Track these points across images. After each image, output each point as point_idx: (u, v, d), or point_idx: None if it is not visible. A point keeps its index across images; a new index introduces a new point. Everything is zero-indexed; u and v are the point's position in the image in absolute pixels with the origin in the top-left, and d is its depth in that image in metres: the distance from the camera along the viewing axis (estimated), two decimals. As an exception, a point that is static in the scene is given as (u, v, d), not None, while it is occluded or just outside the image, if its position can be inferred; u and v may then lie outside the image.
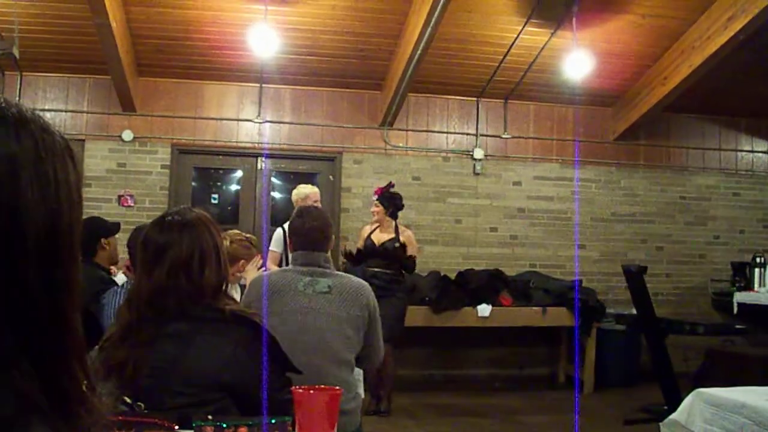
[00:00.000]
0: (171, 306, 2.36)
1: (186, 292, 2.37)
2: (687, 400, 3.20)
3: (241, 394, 2.34)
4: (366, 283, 3.91)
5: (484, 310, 8.74)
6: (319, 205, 6.86)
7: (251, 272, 4.60)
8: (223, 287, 2.48)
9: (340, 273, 3.93)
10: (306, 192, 7.34)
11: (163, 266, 2.40)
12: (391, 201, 7.84)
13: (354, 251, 7.78)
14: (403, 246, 7.69)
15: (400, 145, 9.95)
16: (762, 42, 8.32)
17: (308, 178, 10.12)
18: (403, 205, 8.00)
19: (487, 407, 8.21)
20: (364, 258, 7.68)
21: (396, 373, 7.81)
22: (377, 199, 7.85)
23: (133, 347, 2.34)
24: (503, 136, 10.23)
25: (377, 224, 7.82)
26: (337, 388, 2.02)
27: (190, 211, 2.53)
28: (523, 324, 9.10)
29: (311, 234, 3.92)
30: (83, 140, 9.25)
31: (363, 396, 4.10)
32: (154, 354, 2.31)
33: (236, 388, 2.34)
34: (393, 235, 7.76)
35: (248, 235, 4.72)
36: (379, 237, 7.76)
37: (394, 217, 7.87)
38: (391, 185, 8.00)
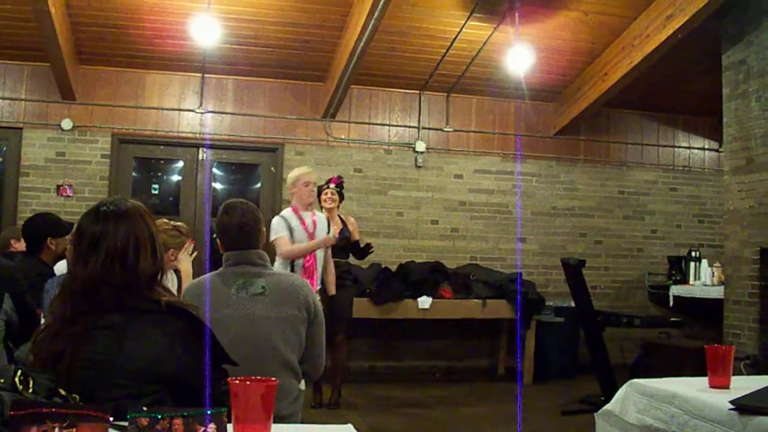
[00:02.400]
0: (106, 297, 2.33)
1: (121, 283, 2.34)
2: (621, 391, 3.26)
3: (177, 385, 2.33)
4: (304, 281, 3.80)
5: (425, 302, 8.78)
6: (312, 188, 7.05)
7: (184, 261, 4.55)
8: (159, 277, 2.45)
9: (275, 271, 3.79)
10: (296, 174, 7.14)
11: (98, 256, 2.37)
12: (342, 191, 7.92)
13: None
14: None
15: (343, 137, 9.95)
16: (699, 41, 8.46)
17: (250, 170, 10.11)
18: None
19: (428, 398, 8.26)
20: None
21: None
22: (335, 188, 7.81)
23: (68, 339, 2.31)
24: (445, 129, 10.28)
25: (329, 213, 7.74)
26: (273, 378, 2.01)
27: (125, 201, 2.50)
28: (464, 316, 9.16)
29: (241, 231, 3.74)
30: (21, 129, 9.12)
31: (304, 389, 4.02)
32: (90, 346, 2.27)
33: (172, 379, 2.32)
34: (341, 225, 7.76)
35: (177, 224, 4.64)
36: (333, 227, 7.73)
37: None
38: (341, 177, 8.05)
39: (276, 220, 6.92)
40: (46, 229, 5.42)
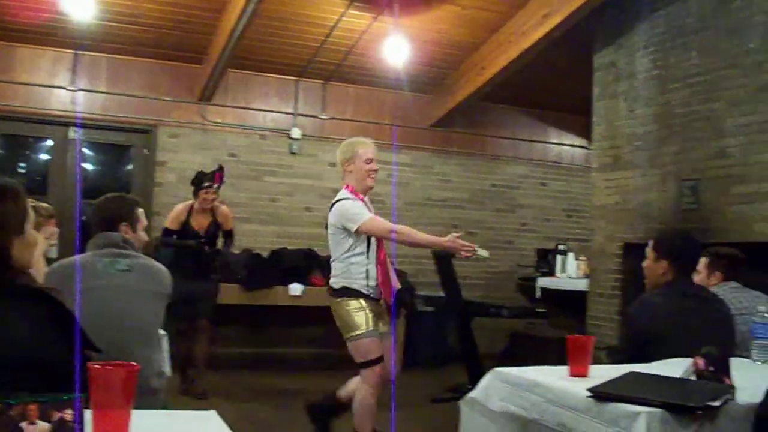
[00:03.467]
0: None
1: None
2: (485, 379, 3.31)
3: (38, 372, 2.26)
4: (164, 267, 3.88)
5: (296, 289, 8.77)
6: (375, 167, 5.50)
7: (41, 243, 4.44)
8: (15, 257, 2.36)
9: (140, 255, 3.85)
10: (353, 146, 5.61)
11: None
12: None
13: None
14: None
15: (218, 121, 9.82)
16: (574, 41, 8.66)
17: (122, 150, 9.88)
18: None
19: (298, 386, 8.22)
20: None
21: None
22: (217, 188, 7.62)
23: None
24: (321, 116, 10.27)
25: (203, 212, 7.62)
26: (134, 364, 1.97)
27: None
28: (335, 304, 9.15)
29: (107, 215, 3.92)
30: None
31: (169, 374, 4.02)
32: None
33: (33, 366, 2.25)
34: (211, 219, 7.65)
35: (39, 204, 4.51)
36: (199, 222, 7.61)
37: None
38: (221, 167, 7.88)
39: (350, 203, 5.36)
40: None
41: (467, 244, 5.21)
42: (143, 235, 4.04)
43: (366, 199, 5.49)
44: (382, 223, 5.34)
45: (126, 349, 3.26)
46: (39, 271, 4.57)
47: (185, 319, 7.35)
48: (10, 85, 9.07)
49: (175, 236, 7.54)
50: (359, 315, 5.25)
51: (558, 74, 9.95)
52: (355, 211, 5.26)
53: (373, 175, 5.45)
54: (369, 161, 5.43)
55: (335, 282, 5.36)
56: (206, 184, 7.54)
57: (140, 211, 4.05)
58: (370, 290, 5.31)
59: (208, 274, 7.65)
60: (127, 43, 9.16)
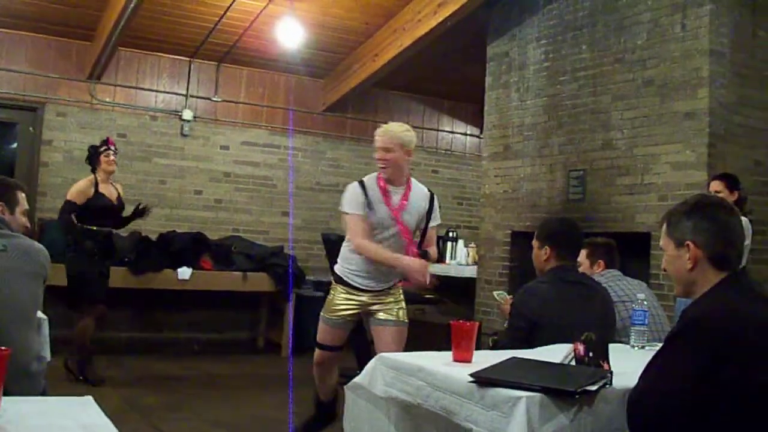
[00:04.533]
0: None
1: None
2: (370, 365, 3.33)
3: None
4: (43, 248, 3.76)
5: (185, 273, 8.65)
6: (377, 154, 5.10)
7: None
8: None
9: (16, 234, 3.72)
10: (411, 136, 5.21)
11: None
12: None
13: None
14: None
15: (108, 100, 9.61)
16: (468, 31, 8.75)
17: (7, 128, 9.58)
18: None
19: (186, 371, 8.16)
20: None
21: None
22: (114, 151, 7.35)
23: None
24: (214, 99, 10.15)
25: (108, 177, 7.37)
26: (4, 348, 1.93)
27: None
28: (224, 288, 9.08)
29: None
30: None
31: (49, 358, 3.93)
32: None
33: None
34: (117, 192, 7.43)
35: None
36: (110, 191, 7.35)
37: None
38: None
39: (349, 189, 5.18)
40: None
41: (426, 272, 4.93)
42: (22, 219, 3.92)
43: (390, 188, 5.11)
44: (353, 232, 5.08)
45: (2, 331, 3.19)
46: None
47: (87, 301, 7.17)
48: None
49: (75, 213, 7.23)
50: (328, 298, 5.31)
51: (452, 63, 10.03)
52: (345, 199, 5.14)
53: (380, 164, 5.11)
54: (377, 150, 5.15)
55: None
56: (102, 148, 7.34)
57: (21, 194, 3.94)
58: (354, 279, 5.15)
59: (109, 255, 7.42)
60: (13, 16, 8.83)
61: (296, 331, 9.36)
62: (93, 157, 7.32)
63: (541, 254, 4.24)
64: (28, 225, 4.07)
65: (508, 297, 4.89)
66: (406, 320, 5.26)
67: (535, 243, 4.30)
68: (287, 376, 7.73)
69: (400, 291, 5.31)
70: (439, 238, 10.45)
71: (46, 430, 1.96)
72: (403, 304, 5.29)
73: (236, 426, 6.00)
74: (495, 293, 5.24)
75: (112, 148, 7.35)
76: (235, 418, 6.23)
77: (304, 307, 9.43)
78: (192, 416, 6.40)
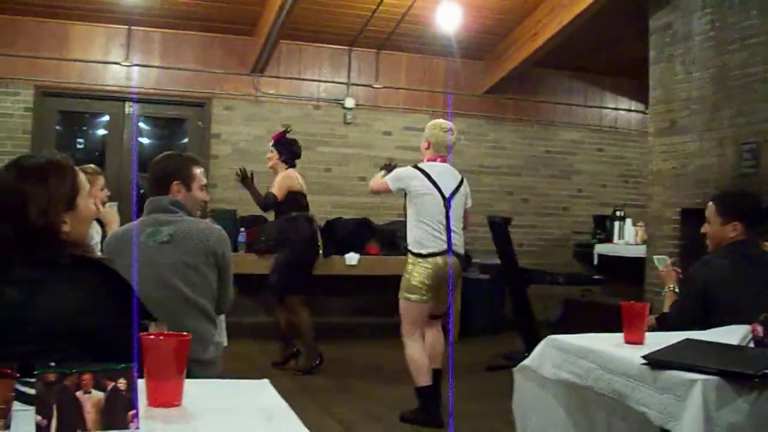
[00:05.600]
0: (1, 253, 2.29)
1: (11, 238, 2.29)
2: (539, 347, 3.30)
3: (93, 341, 2.29)
4: (215, 230, 3.75)
5: (352, 258, 8.79)
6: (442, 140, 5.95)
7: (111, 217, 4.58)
8: (58, 224, 2.39)
9: (187, 218, 3.72)
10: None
11: None
12: (286, 147, 7.62)
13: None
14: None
15: (271, 92, 9.86)
16: (628, 4, 8.52)
17: (177, 124, 9.98)
18: (300, 152, 7.74)
19: (354, 355, 8.29)
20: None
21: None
22: (272, 145, 7.58)
23: None
24: (374, 85, 10.25)
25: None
26: (185, 333, 2.00)
27: (31, 157, 2.46)
28: (391, 272, 9.13)
29: (155, 176, 3.84)
30: (-62, 80, 8.88)
31: (225, 344, 4.05)
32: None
33: (88, 335, 2.28)
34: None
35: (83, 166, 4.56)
36: None
37: (291, 164, 7.61)
38: (287, 131, 7.80)
39: None
40: None
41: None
42: (200, 195, 3.86)
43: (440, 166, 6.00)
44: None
45: (176, 324, 3.28)
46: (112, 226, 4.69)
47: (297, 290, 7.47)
48: (65, 62, 9.20)
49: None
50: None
51: (613, 38, 9.78)
52: (398, 173, 6.05)
53: None
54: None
55: None
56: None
57: (197, 169, 3.87)
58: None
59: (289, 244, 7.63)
60: (179, 17, 9.21)
61: (463, 315, 9.38)
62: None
63: (727, 230, 4.05)
64: (207, 199, 4.03)
65: (668, 261, 4.73)
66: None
67: (714, 219, 4.11)
68: (455, 360, 7.75)
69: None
70: (605, 217, 10.30)
71: (224, 411, 2.03)
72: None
73: (402, 407, 6.05)
74: (654, 258, 5.07)
75: (269, 144, 7.63)
76: (401, 399, 6.28)
77: (471, 290, 9.44)
78: (360, 398, 6.51)
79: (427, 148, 6.02)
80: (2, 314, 2.22)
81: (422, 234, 5.74)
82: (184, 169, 3.84)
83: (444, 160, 6.00)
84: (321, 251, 7.77)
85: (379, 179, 6.15)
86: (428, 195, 5.77)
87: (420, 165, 5.95)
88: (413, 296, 5.70)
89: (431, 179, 5.82)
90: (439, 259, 5.67)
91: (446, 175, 5.94)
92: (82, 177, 2.48)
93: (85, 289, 2.30)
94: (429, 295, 5.69)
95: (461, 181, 6.03)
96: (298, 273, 7.48)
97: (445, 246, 5.69)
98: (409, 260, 5.79)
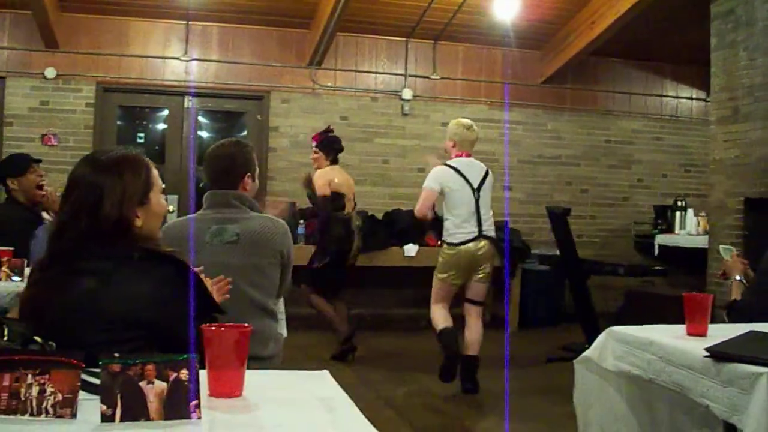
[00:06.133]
0: (77, 243, 2.33)
1: (87, 230, 2.33)
2: (600, 338, 3.27)
3: (163, 333, 2.33)
4: (279, 225, 3.67)
5: (411, 249, 8.78)
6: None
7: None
8: (137, 226, 2.43)
9: (252, 214, 3.62)
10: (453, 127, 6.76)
11: (69, 202, 2.38)
12: (330, 146, 7.68)
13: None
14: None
15: (328, 84, 9.89)
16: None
17: (236, 117, 10.06)
18: (342, 147, 7.79)
19: (412, 347, 8.29)
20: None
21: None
22: (316, 146, 7.64)
23: (44, 284, 2.34)
24: (432, 77, 10.23)
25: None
26: (247, 325, 2.01)
27: (110, 151, 2.50)
28: (449, 264, 9.14)
29: (217, 168, 3.67)
30: (3, 77, 9.08)
31: (285, 335, 4.05)
32: (68, 291, 2.29)
33: (157, 326, 2.32)
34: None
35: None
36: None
37: (335, 161, 7.68)
38: (329, 130, 7.87)
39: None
40: (2, 170, 5.37)
41: None
42: (257, 183, 3.78)
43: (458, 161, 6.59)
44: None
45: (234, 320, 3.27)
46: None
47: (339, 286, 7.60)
48: (125, 58, 9.34)
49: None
50: None
51: (673, 24, 9.64)
52: (435, 173, 6.60)
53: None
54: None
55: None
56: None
57: (255, 157, 3.79)
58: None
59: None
60: (236, 12, 9.29)
61: (522, 306, 9.34)
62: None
63: None
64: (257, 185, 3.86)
65: (734, 252, 4.65)
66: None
67: None
68: (514, 351, 7.73)
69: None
70: (666, 207, 10.18)
71: (284, 402, 2.04)
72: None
73: (459, 399, 6.05)
74: (720, 247, 4.98)
75: (313, 145, 7.72)
76: (459, 391, 6.28)
77: (530, 281, 9.40)
78: (418, 389, 6.52)
79: (453, 146, 6.61)
80: (74, 303, 2.28)
81: (451, 225, 6.43)
82: (253, 159, 3.74)
83: (469, 155, 6.59)
84: (353, 252, 7.82)
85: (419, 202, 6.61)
86: (459, 190, 6.39)
87: (449, 162, 6.53)
88: (441, 275, 6.51)
89: (461, 174, 6.42)
90: (470, 246, 6.33)
91: (473, 168, 6.53)
92: (155, 173, 2.53)
93: (155, 281, 2.34)
94: (453, 275, 6.43)
95: (486, 172, 6.62)
96: (320, 272, 7.54)
97: (476, 232, 6.35)
98: (443, 248, 6.53)
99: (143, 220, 2.43)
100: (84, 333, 2.22)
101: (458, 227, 6.37)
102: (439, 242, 6.88)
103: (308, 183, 7.59)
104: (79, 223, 2.33)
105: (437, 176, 6.46)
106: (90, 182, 2.37)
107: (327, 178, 7.55)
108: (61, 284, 2.30)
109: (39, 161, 5.61)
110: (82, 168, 2.43)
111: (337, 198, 7.60)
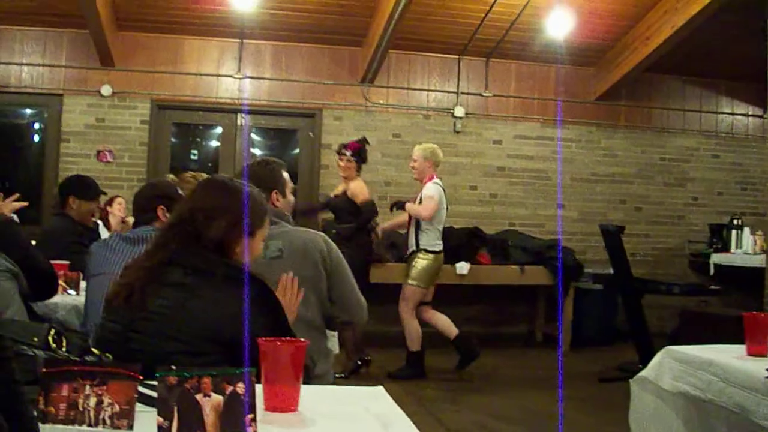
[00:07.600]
0: (171, 254, 2.44)
1: (184, 245, 2.45)
2: (657, 358, 3.23)
3: (235, 349, 2.34)
4: (318, 235, 3.69)
5: (463, 267, 8.74)
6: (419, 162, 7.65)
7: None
8: (232, 244, 2.53)
9: (289, 228, 3.65)
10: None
11: (171, 217, 2.59)
12: (363, 156, 7.74)
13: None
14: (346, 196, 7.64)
15: (381, 102, 9.91)
16: (743, 4, 8.30)
17: (288, 135, 10.12)
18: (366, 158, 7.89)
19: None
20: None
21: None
22: (351, 154, 7.65)
23: (139, 271, 2.47)
24: (484, 94, 10.21)
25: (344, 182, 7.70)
26: (303, 339, 2.01)
27: (228, 179, 2.71)
28: (501, 282, 9.11)
29: (254, 184, 3.71)
30: (61, 95, 9.23)
31: (337, 351, 4.03)
32: (157, 299, 2.38)
33: (234, 342, 2.34)
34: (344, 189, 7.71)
35: (198, 174, 4.61)
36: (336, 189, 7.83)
37: (359, 171, 7.75)
38: (365, 140, 7.85)
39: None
40: (71, 187, 5.49)
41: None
42: (292, 198, 3.82)
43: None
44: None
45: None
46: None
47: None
48: (180, 75, 9.45)
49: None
50: None
51: (728, 39, 9.52)
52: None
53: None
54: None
55: None
56: (338, 150, 7.77)
57: (286, 173, 3.82)
58: None
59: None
60: (289, 30, 9.36)
61: (575, 325, 9.25)
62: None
63: None
64: (294, 199, 3.91)
65: None
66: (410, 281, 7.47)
67: None
68: (567, 371, 7.66)
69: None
70: (722, 226, 10.03)
71: (339, 418, 2.04)
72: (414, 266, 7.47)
73: (511, 419, 6.00)
74: None
75: (347, 153, 7.70)
76: (510, 410, 6.24)
77: (583, 300, 9.31)
78: (469, 408, 6.47)
79: (431, 166, 7.57)
80: (157, 313, 2.37)
81: (434, 236, 7.48)
82: (279, 176, 3.77)
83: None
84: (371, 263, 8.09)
85: (424, 209, 7.43)
86: (444, 208, 7.56)
87: (437, 182, 7.56)
88: (425, 282, 7.44)
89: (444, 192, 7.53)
90: (441, 255, 7.55)
91: None
92: (268, 219, 2.71)
93: (235, 300, 2.37)
94: (431, 280, 7.52)
95: None
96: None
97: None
98: (421, 256, 7.43)
99: (239, 253, 2.55)
100: (165, 341, 2.33)
101: (438, 238, 7.52)
102: (416, 251, 7.50)
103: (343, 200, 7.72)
104: (183, 232, 2.48)
105: (440, 192, 7.47)
106: (213, 198, 2.57)
107: (365, 188, 7.75)
108: (154, 290, 2.40)
109: (104, 193, 5.86)
110: (211, 184, 2.67)
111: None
